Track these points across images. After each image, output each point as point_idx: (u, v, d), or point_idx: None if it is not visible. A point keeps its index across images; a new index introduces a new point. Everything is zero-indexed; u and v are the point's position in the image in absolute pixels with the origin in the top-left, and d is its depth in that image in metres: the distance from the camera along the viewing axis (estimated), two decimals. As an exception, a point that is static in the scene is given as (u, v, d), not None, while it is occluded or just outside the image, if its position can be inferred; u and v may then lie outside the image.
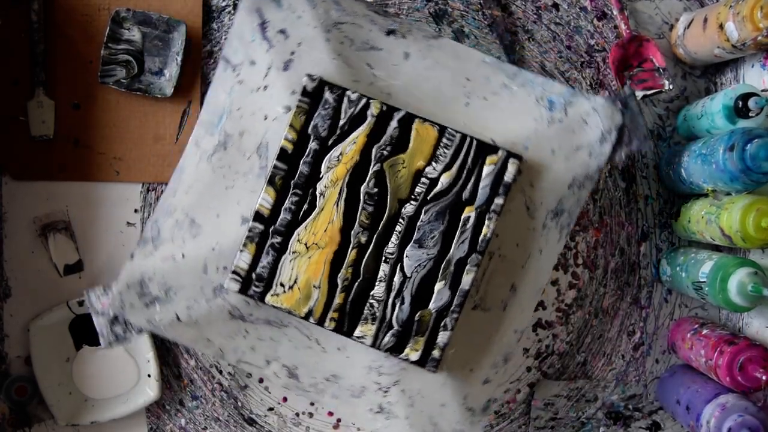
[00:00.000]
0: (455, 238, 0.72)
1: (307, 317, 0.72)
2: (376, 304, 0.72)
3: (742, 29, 0.78)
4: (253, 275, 0.72)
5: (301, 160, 0.72)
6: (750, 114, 0.79)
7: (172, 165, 0.92)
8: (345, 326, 0.72)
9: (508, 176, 0.71)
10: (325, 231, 0.72)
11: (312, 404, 0.93)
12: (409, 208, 0.72)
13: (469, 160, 0.72)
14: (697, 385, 0.86)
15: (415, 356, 0.72)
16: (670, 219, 0.94)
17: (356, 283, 0.72)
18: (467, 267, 0.72)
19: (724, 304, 0.78)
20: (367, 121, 0.72)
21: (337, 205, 0.72)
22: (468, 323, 0.74)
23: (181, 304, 0.75)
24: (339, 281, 0.72)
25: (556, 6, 0.94)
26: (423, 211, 0.72)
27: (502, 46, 0.93)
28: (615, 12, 0.93)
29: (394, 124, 0.72)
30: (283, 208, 0.72)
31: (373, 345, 0.72)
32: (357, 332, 0.72)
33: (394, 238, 0.72)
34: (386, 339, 0.72)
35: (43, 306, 0.92)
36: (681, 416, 0.87)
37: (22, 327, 0.92)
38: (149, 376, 0.92)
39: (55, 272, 0.92)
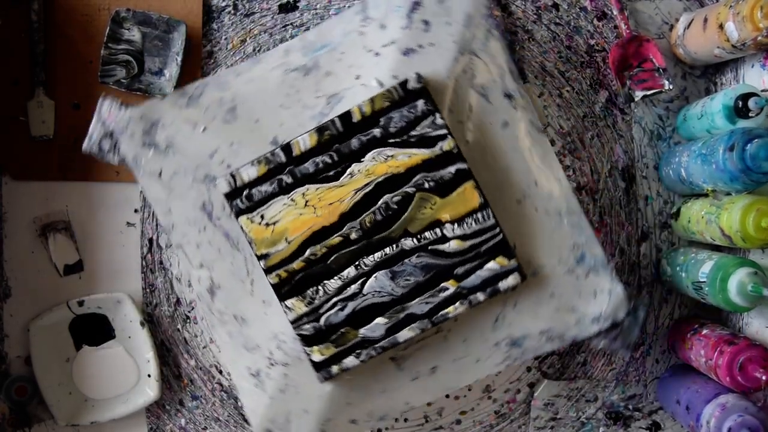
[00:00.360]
0: (423, 296, 0.72)
1: (260, 258, 0.72)
2: (321, 293, 0.72)
3: (742, 29, 0.78)
4: (246, 191, 0.72)
5: (357, 135, 0.72)
6: (750, 114, 0.79)
7: (172, 165, 0.92)
8: (283, 289, 0.73)
9: (503, 285, 0.72)
10: (330, 204, 0.72)
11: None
12: (408, 243, 0.72)
13: (484, 247, 0.72)
14: (697, 385, 0.86)
15: (317, 358, 0.72)
16: (670, 219, 0.94)
17: (319, 264, 0.72)
18: (413, 325, 0.72)
19: (724, 304, 0.78)
20: (432, 148, 0.72)
21: (356, 193, 0.72)
22: (377, 366, 0.75)
23: (171, 165, 0.75)
24: (308, 251, 0.72)
25: (556, 6, 0.94)
26: (417, 254, 0.72)
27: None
28: (615, 12, 0.93)
29: (452, 169, 0.72)
30: (312, 159, 0.72)
31: (292, 322, 0.72)
32: (288, 302, 0.72)
33: (377, 255, 0.72)
34: (306, 326, 0.73)
35: (43, 306, 0.92)
36: (681, 416, 0.87)
37: (22, 327, 0.92)
38: (149, 376, 0.92)
39: (55, 272, 0.92)
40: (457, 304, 0.72)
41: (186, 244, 0.76)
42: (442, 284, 0.72)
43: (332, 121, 0.72)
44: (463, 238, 0.72)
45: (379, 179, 0.72)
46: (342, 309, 0.72)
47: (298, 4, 0.93)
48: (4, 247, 0.92)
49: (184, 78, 0.91)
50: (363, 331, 0.72)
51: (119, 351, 0.93)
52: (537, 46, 0.94)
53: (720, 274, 0.78)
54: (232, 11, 0.93)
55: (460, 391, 0.94)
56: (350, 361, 0.72)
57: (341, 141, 0.72)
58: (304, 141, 0.72)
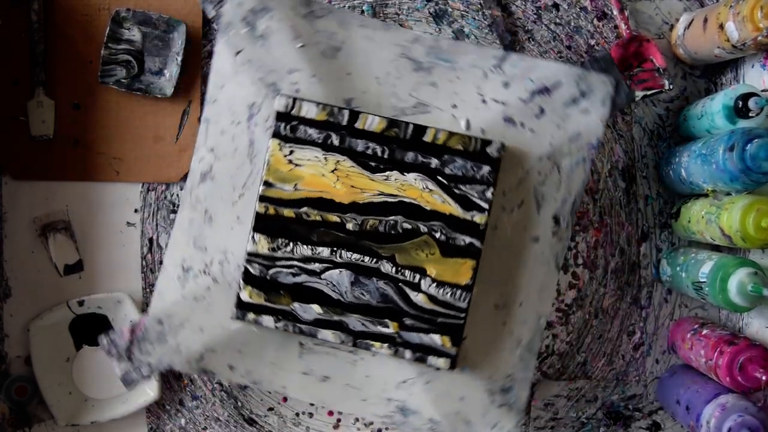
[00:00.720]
0: (365, 316, 0.74)
1: (263, 183, 0.73)
2: (288, 249, 0.74)
3: (742, 29, 0.78)
4: (294, 122, 0.73)
5: (417, 151, 0.73)
6: (750, 114, 0.79)
7: (172, 165, 0.92)
8: (262, 223, 0.73)
9: (431, 360, 0.74)
10: (351, 186, 0.73)
11: (311, 405, 0.93)
12: (386, 267, 0.73)
13: (442, 319, 0.74)
14: (697, 385, 0.86)
15: (244, 297, 0.74)
16: (670, 219, 0.94)
17: (305, 226, 0.73)
18: (338, 332, 0.74)
19: (724, 304, 0.78)
20: (466, 211, 0.73)
21: (379, 195, 0.73)
22: (284, 340, 0.76)
23: (252, 52, 0.75)
24: (305, 208, 0.73)
25: (556, 6, 0.94)
26: (386, 281, 0.73)
27: (502, 46, 0.93)
28: (615, 12, 0.93)
29: (468, 239, 0.73)
30: (366, 141, 0.73)
31: (249, 253, 0.73)
32: (257, 236, 0.73)
33: (355, 256, 0.73)
34: (256, 265, 0.74)
35: (43, 306, 0.92)
36: (681, 416, 0.87)
37: (22, 327, 0.92)
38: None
39: (55, 272, 0.92)
40: (386, 345, 0.73)
41: (214, 123, 0.76)
42: (386, 320, 0.73)
43: (407, 124, 0.73)
44: (432, 298, 0.73)
45: (406, 199, 0.73)
46: (294, 275, 0.73)
47: (298, 4, 0.93)
48: (4, 247, 0.92)
49: (184, 78, 0.91)
50: (296, 306, 0.73)
51: (119, 351, 0.93)
52: (537, 46, 0.94)
53: (720, 274, 0.78)
54: (232, 11, 0.93)
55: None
56: (267, 320, 0.73)
57: (401, 146, 0.73)
58: (372, 121, 0.73)
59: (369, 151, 0.73)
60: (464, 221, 0.73)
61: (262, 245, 0.73)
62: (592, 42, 0.94)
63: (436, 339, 0.73)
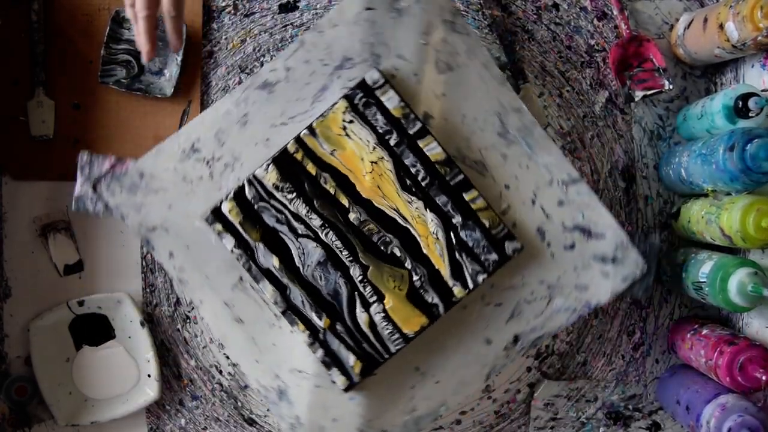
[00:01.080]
0: (307, 301, 0.74)
1: (308, 127, 0.73)
2: (289, 198, 0.74)
3: (742, 29, 0.78)
4: (373, 102, 0.74)
5: (450, 202, 0.74)
6: (750, 114, 0.79)
7: (172, 165, 0.92)
8: (284, 160, 0.74)
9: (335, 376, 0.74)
10: (378, 187, 0.74)
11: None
12: (355, 272, 0.74)
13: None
14: (697, 385, 0.86)
15: (225, 208, 0.74)
16: (670, 219, 0.94)
17: (316, 190, 0.74)
18: (266, 281, 0.74)
19: (724, 304, 0.78)
20: (453, 280, 0.74)
21: (394, 211, 0.74)
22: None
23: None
24: (325, 176, 0.74)
25: (556, 6, 0.94)
26: (345, 283, 0.74)
27: (502, 46, 0.93)
28: (615, 12, 0.93)
29: (435, 301, 0.74)
30: (417, 159, 0.73)
31: (253, 176, 0.73)
32: (271, 167, 0.73)
33: (336, 244, 0.74)
34: (251, 191, 0.74)
35: (43, 306, 0.92)
36: (681, 416, 0.87)
37: (22, 327, 0.92)
38: (149, 376, 0.92)
39: (55, 272, 0.92)
40: (307, 333, 0.74)
41: (306, 50, 0.75)
42: (323, 313, 0.74)
43: (460, 171, 0.73)
44: (372, 324, 0.74)
45: (412, 231, 0.73)
46: (277, 221, 0.74)
47: (298, 4, 0.93)
48: (4, 247, 0.92)
49: (184, 78, 0.91)
50: (260, 247, 0.74)
51: (119, 351, 0.93)
52: (537, 46, 0.94)
53: (720, 274, 0.78)
54: (232, 11, 0.93)
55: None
56: (228, 240, 0.74)
57: (441, 186, 0.73)
58: (434, 148, 0.73)
59: (413, 170, 0.73)
60: (445, 284, 0.73)
61: (270, 177, 0.73)
62: (592, 42, 0.94)
63: (350, 359, 0.73)
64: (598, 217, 0.75)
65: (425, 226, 0.73)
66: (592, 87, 0.95)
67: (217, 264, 0.76)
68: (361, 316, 0.74)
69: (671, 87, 0.92)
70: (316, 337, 0.74)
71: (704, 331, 0.86)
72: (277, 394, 0.76)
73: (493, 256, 0.73)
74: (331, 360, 0.74)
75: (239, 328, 0.77)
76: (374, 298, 0.74)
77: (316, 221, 0.73)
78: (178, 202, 0.76)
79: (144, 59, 0.74)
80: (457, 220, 0.73)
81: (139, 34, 0.73)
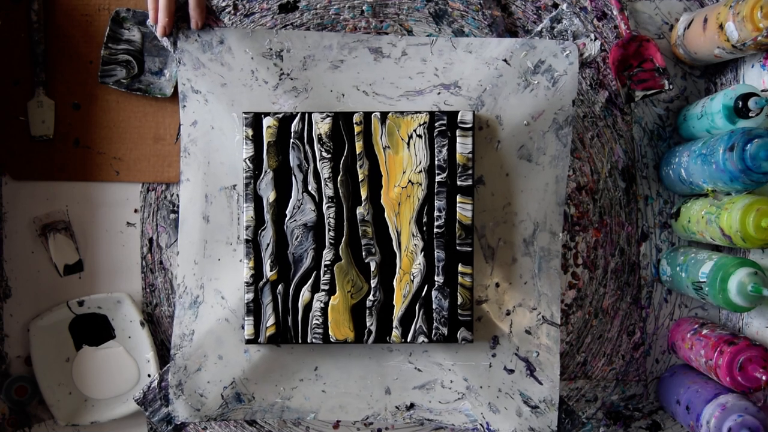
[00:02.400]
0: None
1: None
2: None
3: (742, 29, 0.78)
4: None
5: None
6: (750, 114, 0.79)
7: (172, 165, 0.92)
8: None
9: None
10: (399, 205, 0.75)
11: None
12: (327, 255, 0.75)
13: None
14: (697, 385, 0.86)
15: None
16: (670, 219, 0.94)
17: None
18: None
19: (724, 304, 0.78)
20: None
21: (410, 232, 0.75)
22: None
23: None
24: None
25: (556, 6, 0.94)
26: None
27: (502, 46, 0.93)
28: (615, 12, 0.93)
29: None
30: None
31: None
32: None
33: (331, 211, 0.75)
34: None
35: (43, 306, 0.92)
36: (681, 416, 0.87)
37: (22, 327, 0.92)
38: (149, 376, 0.92)
39: (55, 272, 0.92)
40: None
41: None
42: (276, 269, 0.76)
43: (471, 255, 0.76)
44: (306, 305, 0.76)
45: (398, 260, 0.76)
46: (299, 167, 0.76)
47: (298, 4, 0.93)
48: (4, 247, 0.92)
49: (184, 78, 0.91)
50: (266, 180, 0.76)
51: (119, 351, 0.93)
52: (537, 46, 0.94)
53: (720, 274, 0.78)
54: (232, 11, 0.93)
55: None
56: (248, 149, 0.75)
57: (448, 247, 0.75)
58: (466, 213, 0.75)
59: (436, 213, 0.75)
60: (390, 321, 0.76)
61: (322, 127, 0.77)
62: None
63: (270, 320, 0.76)
64: (548, 366, 0.79)
65: (410, 264, 0.74)
66: (592, 87, 0.95)
67: (222, 160, 0.77)
68: (304, 294, 0.75)
69: (671, 87, 0.92)
70: (256, 281, 0.74)
71: (704, 331, 0.86)
72: (191, 299, 0.78)
73: (444, 331, 0.75)
74: (254, 308, 0.75)
75: (202, 223, 0.78)
76: (326, 288, 0.75)
77: (329, 191, 0.74)
78: (233, 86, 0.76)
79: (159, 33, 0.75)
80: (439, 279, 0.74)
81: (155, 8, 0.74)
